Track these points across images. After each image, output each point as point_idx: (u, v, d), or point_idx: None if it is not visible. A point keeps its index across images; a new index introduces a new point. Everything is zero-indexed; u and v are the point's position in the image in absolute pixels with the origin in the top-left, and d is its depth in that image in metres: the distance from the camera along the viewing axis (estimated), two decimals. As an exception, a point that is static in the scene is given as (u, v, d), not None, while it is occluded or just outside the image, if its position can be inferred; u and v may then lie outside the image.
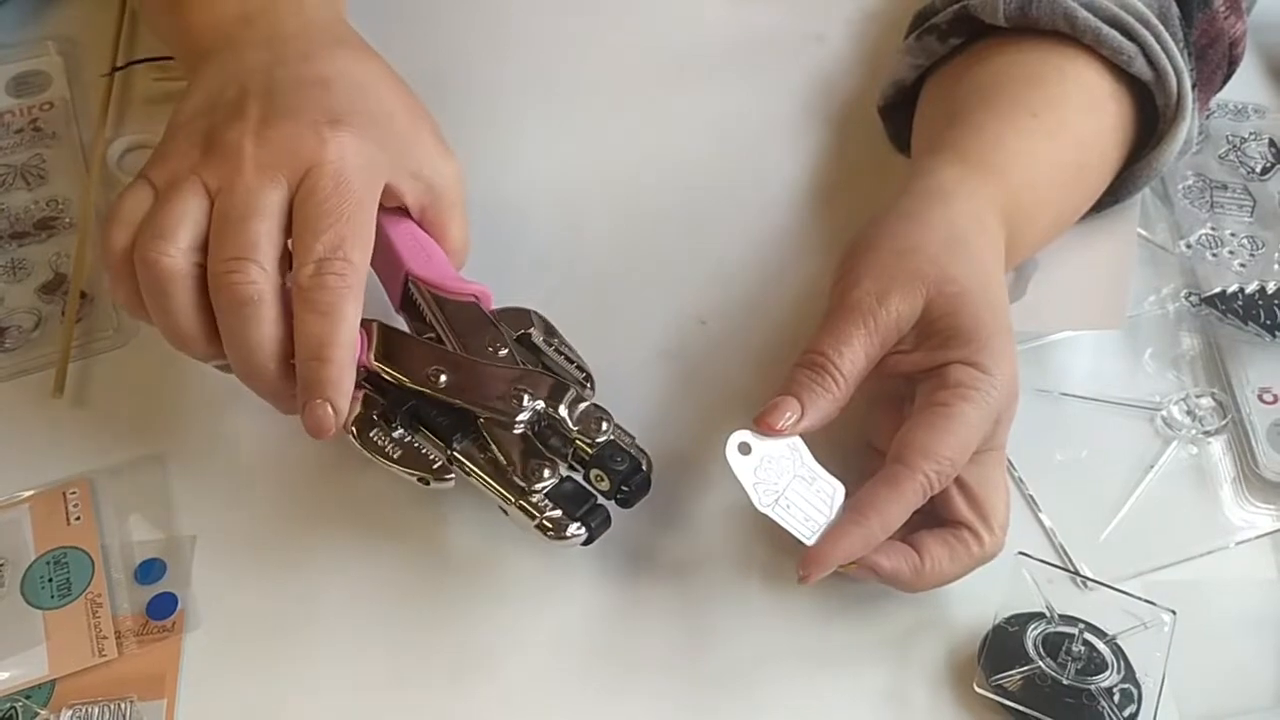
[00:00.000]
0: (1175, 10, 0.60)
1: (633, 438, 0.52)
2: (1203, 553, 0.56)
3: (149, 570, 0.54)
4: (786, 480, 0.50)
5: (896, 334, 0.52)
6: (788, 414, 0.51)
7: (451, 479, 0.52)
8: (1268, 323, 0.61)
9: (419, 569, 0.55)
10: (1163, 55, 0.58)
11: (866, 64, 0.71)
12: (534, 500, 0.50)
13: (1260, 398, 0.60)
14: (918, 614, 0.54)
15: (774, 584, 0.55)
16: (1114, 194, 0.62)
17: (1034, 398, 0.60)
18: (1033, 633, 0.52)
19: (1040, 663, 0.51)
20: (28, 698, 0.51)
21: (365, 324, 0.52)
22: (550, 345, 0.55)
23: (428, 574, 0.55)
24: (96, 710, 0.51)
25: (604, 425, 0.51)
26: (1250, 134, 0.70)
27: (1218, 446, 0.59)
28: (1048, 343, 0.62)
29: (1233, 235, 0.66)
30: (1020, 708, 0.50)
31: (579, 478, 0.51)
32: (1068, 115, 0.58)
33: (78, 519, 0.55)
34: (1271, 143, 0.69)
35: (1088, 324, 0.62)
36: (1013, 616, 0.52)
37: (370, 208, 0.51)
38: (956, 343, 0.51)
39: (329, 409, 0.49)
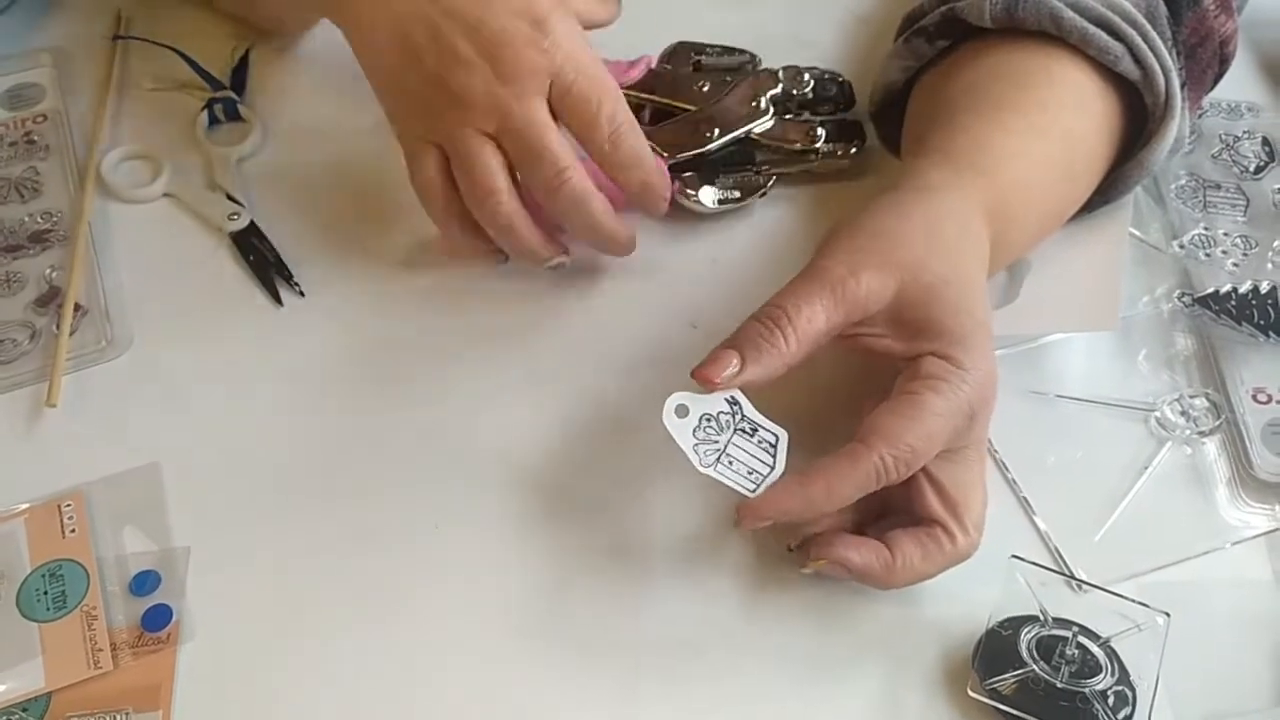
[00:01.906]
0: (1163, 9, 0.60)
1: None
2: (1198, 554, 0.56)
3: (144, 582, 0.54)
4: (728, 436, 0.50)
5: (862, 310, 0.51)
6: (727, 368, 0.50)
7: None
8: (1261, 323, 0.61)
9: (413, 578, 0.55)
10: (1150, 54, 0.58)
11: (857, 67, 0.71)
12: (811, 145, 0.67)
13: (1254, 398, 0.60)
14: (911, 617, 0.54)
15: (768, 587, 0.55)
16: (1105, 194, 0.62)
17: (1028, 400, 0.60)
18: (1026, 636, 0.52)
19: (1034, 666, 0.51)
20: (24, 710, 0.51)
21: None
22: (707, 55, 0.71)
23: (423, 584, 0.55)
24: (93, 722, 0.51)
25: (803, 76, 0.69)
26: (1244, 133, 0.70)
27: (1212, 447, 0.59)
28: (1041, 344, 0.62)
29: (1226, 235, 0.65)
30: (1014, 711, 0.50)
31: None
32: (1055, 115, 0.58)
33: (73, 531, 0.56)
34: (1265, 141, 0.69)
35: (1082, 326, 0.62)
36: (1006, 620, 0.52)
37: (602, 65, 0.58)
38: (929, 335, 0.51)
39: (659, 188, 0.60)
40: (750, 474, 0.50)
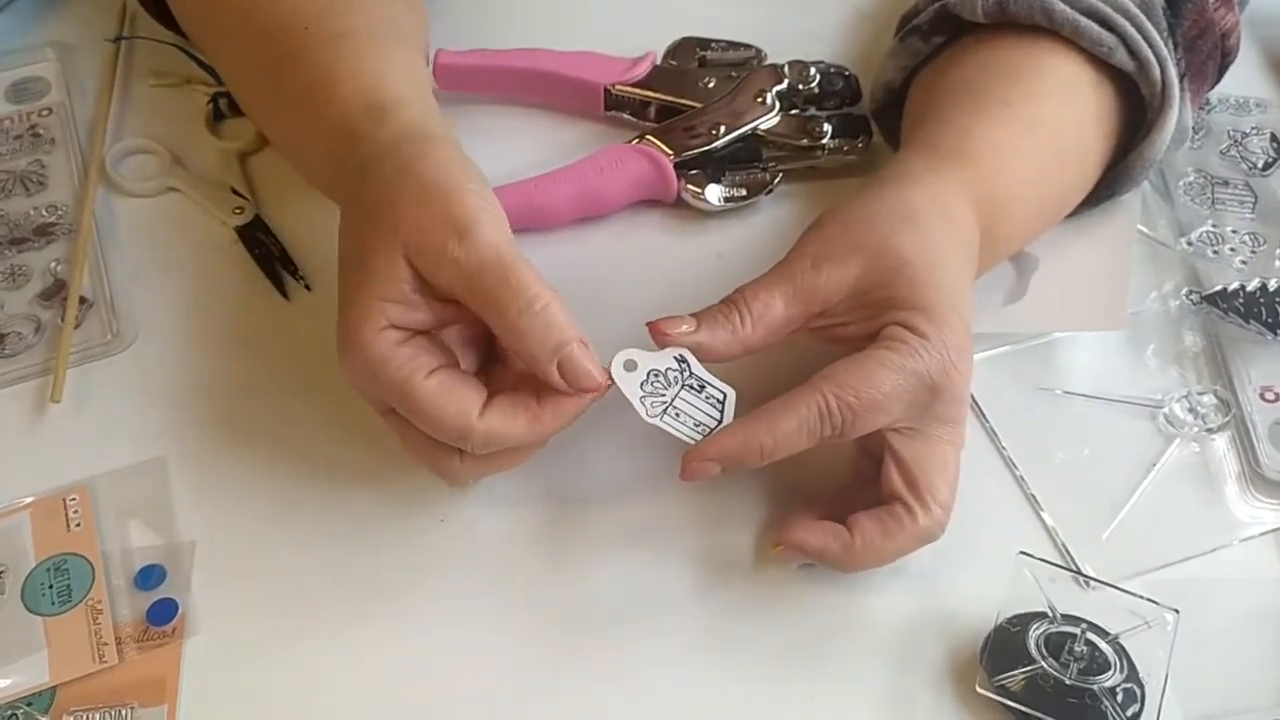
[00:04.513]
0: (1160, 1, 0.60)
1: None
2: (1206, 551, 0.56)
3: (149, 576, 0.54)
4: (675, 390, 0.51)
5: (823, 299, 0.52)
6: (681, 326, 0.52)
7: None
8: (1269, 321, 0.61)
9: (419, 573, 0.55)
10: (1144, 44, 0.58)
11: (863, 61, 0.70)
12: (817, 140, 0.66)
13: (1262, 396, 0.60)
14: (919, 614, 0.54)
15: (773, 584, 0.55)
16: (1111, 188, 0.62)
17: (1036, 396, 0.60)
18: (1035, 632, 0.52)
19: (1042, 663, 0.51)
20: (29, 705, 0.51)
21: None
22: (712, 50, 0.70)
23: (428, 577, 0.55)
24: (98, 717, 0.51)
25: (810, 70, 0.68)
26: (1251, 129, 0.70)
27: (1221, 443, 0.59)
28: (1049, 341, 0.62)
29: (1234, 232, 0.65)
30: (1023, 708, 0.50)
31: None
32: (1042, 105, 0.58)
33: (78, 525, 0.55)
34: (1273, 137, 0.69)
35: (1090, 324, 0.62)
36: (1015, 616, 0.52)
37: (410, 378, 0.49)
38: (892, 309, 0.51)
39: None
40: (697, 426, 0.51)
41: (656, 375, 0.51)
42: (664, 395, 0.51)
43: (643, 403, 0.51)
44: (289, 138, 0.60)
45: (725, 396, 0.52)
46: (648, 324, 0.52)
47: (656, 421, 0.51)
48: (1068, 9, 0.58)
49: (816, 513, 0.53)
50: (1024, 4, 0.58)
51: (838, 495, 0.55)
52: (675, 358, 0.51)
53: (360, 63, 0.56)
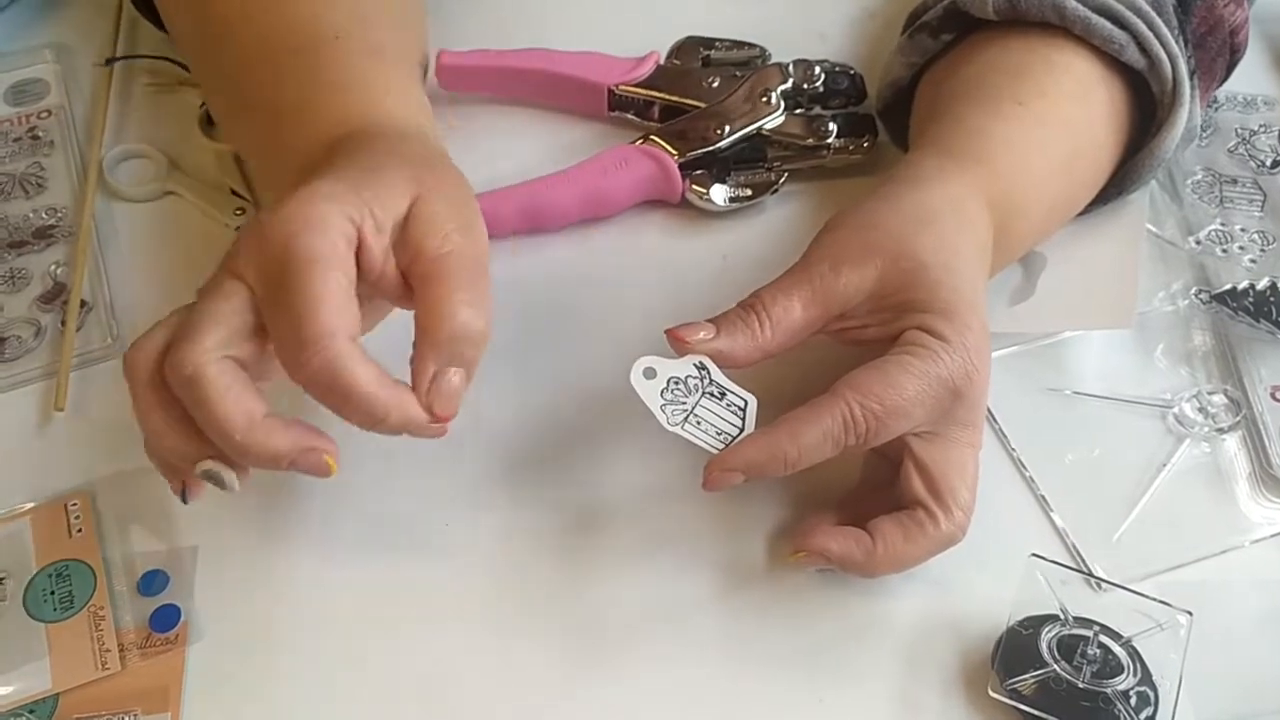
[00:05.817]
0: None
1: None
2: (1218, 552, 0.56)
3: (151, 582, 0.54)
4: (695, 398, 0.51)
5: (842, 303, 0.51)
6: (701, 332, 0.51)
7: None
8: (1279, 320, 0.60)
9: (423, 578, 0.54)
10: (1155, 42, 0.57)
11: (868, 60, 0.70)
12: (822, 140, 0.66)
13: (1273, 396, 0.59)
14: (930, 617, 0.53)
15: (783, 589, 0.54)
16: (1120, 186, 0.62)
17: (1045, 396, 0.60)
18: (1047, 635, 0.51)
19: (1055, 666, 0.50)
20: (31, 712, 0.50)
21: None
22: (716, 49, 0.70)
23: (436, 583, 0.54)
24: (100, 724, 0.50)
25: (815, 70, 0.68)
26: (1260, 126, 0.69)
27: (1232, 443, 0.59)
28: (1058, 341, 0.62)
29: (1243, 230, 0.65)
30: (1035, 712, 0.50)
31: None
32: (1054, 103, 0.57)
33: (79, 531, 0.55)
34: (1281, 136, 0.69)
35: (1098, 323, 0.62)
36: (1027, 619, 0.52)
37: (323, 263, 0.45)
38: (910, 313, 0.51)
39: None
40: (719, 434, 0.50)
41: (676, 383, 0.51)
42: (685, 403, 0.50)
43: (663, 410, 0.50)
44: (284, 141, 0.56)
45: (746, 403, 0.51)
46: (666, 331, 0.51)
47: (678, 430, 0.50)
48: (1079, 6, 0.57)
49: (831, 518, 0.53)
50: (1035, 1, 0.58)
51: (851, 499, 0.54)
52: (695, 364, 0.51)
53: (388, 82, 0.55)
